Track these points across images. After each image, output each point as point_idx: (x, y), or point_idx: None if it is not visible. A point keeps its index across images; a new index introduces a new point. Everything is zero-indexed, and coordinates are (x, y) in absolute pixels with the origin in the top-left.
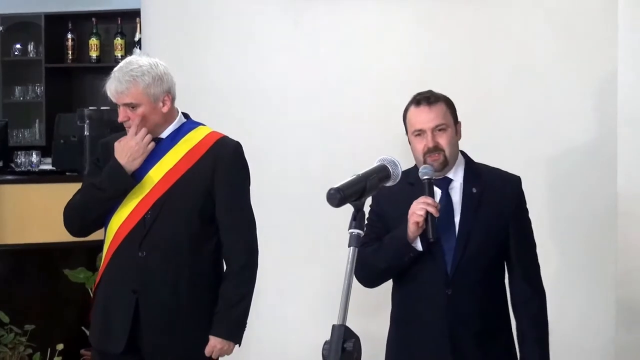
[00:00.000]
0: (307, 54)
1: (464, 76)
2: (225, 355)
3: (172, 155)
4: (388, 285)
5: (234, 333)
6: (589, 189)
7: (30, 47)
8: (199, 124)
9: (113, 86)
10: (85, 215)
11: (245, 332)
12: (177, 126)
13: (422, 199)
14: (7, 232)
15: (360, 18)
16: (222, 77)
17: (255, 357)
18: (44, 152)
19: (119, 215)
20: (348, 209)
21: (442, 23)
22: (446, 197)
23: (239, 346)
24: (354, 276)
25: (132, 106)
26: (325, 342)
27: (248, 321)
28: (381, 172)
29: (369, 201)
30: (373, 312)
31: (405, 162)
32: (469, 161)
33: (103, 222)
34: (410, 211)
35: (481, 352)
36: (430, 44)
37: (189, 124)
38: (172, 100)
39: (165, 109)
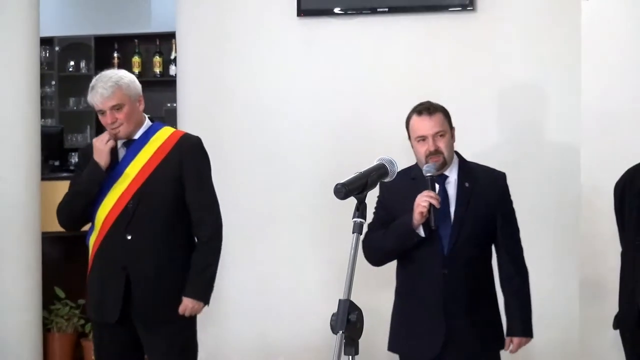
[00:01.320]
0: (318, 67)
1: (460, 83)
2: (196, 314)
3: (145, 153)
4: (388, 266)
5: (203, 294)
6: (557, 183)
7: (82, 64)
8: (164, 125)
9: (99, 94)
10: (72, 209)
11: (267, 307)
12: (146, 128)
13: (426, 192)
14: None
15: (367, 34)
16: (245, 88)
17: (274, 328)
18: None
19: (104, 206)
20: (352, 201)
21: (440, 36)
22: (443, 191)
23: (208, 306)
24: (364, 256)
25: (118, 107)
26: (333, 314)
27: (268, 298)
28: (380, 170)
29: (376, 192)
30: (374, 289)
31: (405, 161)
32: (462, 160)
33: (90, 216)
34: (415, 203)
35: (470, 324)
36: (429, 56)
37: (156, 126)
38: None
39: (141, 108)
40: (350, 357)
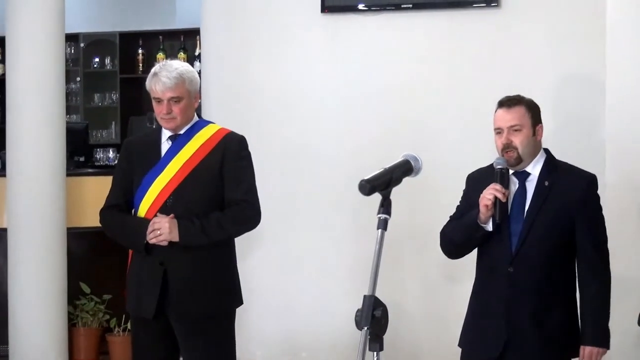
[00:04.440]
0: (341, 63)
1: (483, 80)
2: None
3: (189, 149)
4: (408, 262)
5: (184, 229)
6: None
7: (107, 61)
8: (210, 122)
9: (161, 83)
10: (111, 236)
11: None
12: (192, 124)
13: (492, 185)
14: (87, 216)
15: (391, 30)
16: (268, 83)
17: (297, 323)
18: (119, 149)
19: (146, 200)
20: (378, 197)
21: (464, 33)
22: (522, 188)
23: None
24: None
25: (177, 100)
26: (358, 310)
27: (292, 293)
28: (404, 166)
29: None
30: (398, 285)
31: (430, 155)
32: (549, 158)
33: (133, 208)
34: (481, 195)
35: (535, 328)
36: (453, 52)
37: (201, 123)
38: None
39: (196, 105)
40: (375, 353)
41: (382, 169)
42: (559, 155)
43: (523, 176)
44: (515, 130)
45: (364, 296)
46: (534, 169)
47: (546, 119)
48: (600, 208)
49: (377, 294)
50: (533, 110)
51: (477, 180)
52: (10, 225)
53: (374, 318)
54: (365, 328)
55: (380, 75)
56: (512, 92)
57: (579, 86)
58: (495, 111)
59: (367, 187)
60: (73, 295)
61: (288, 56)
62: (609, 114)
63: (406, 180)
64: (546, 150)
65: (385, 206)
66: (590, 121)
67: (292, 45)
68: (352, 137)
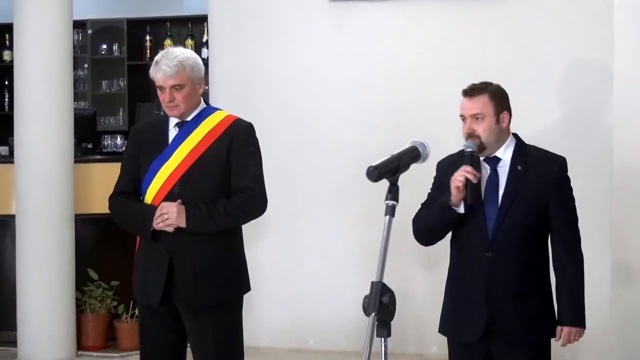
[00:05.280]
0: (346, 49)
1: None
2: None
3: (196, 136)
4: (416, 248)
5: (195, 223)
6: (590, 167)
7: (115, 47)
8: (217, 108)
9: (162, 71)
10: (120, 223)
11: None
12: (199, 110)
13: (462, 167)
14: (95, 203)
15: (395, 18)
16: (275, 70)
17: (305, 310)
18: (127, 135)
19: (153, 187)
20: (385, 183)
21: (470, 21)
22: (494, 174)
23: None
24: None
25: (179, 87)
26: (365, 296)
27: (299, 280)
28: (412, 153)
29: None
30: (406, 272)
31: (437, 141)
32: (519, 142)
33: (140, 195)
34: (452, 178)
35: (515, 311)
36: (461, 39)
37: (209, 109)
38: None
39: (201, 91)
40: (383, 339)
41: (389, 155)
42: (566, 143)
43: (494, 162)
44: (477, 119)
45: (372, 282)
46: (505, 154)
47: (553, 105)
48: (571, 189)
49: (385, 281)
50: (497, 99)
51: (448, 166)
52: (18, 211)
53: (381, 304)
54: (373, 314)
55: (387, 62)
56: (520, 79)
57: (586, 73)
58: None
59: (375, 173)
60: (81, 281)
61: (295, 43)
62: (616, 101)
63: (413, 166)
64: (515, 135)
65: (393, 192)
66: (597, 108)
67: (300, 32)
68: (359, 124)
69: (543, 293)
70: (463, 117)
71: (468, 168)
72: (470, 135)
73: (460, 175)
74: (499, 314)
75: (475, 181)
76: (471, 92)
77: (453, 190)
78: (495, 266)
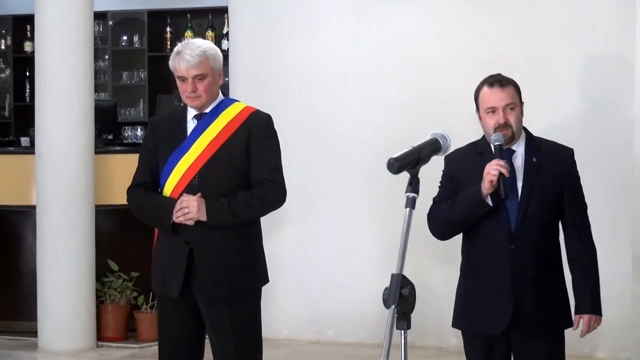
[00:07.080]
0: (367, 43)
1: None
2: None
3: (214, 127)
4: (436, 240)
5: (215, 216)
6: (610, 160)
7: (136, 39)
8: (235, 100)
9: (185, 61)
10: (139, 217)
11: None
12: (217, 102)
13: (495, 161)
14: (116, 194)
15: (414, 8)
16: (295, 62)
17: (324, 302)
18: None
19: (171, 179)
20: (406, 175)
21: (490, 14)
22: (510, 166)
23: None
24: (429, 230)
25: (201, 77)
26: (385, 289)
27: (320, 272)
28: (433, 145)
29: (440, 165)
30: (425, 265)
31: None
32: (529, 135)
33: (159, 186)
34: (485, 171)
35: (538, 300)
36: (483, 29)
37: (227, 101)
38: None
39: (220, 82)
40: (403, 331)
41: (410, 147)
42: (587, 135)
43: (509, 154)
44: (511, 109)
45: (392, 275)
46: (519, 146)
47: (574, 98)
48: (579, 178)
49: (405, 273)
50: (518, 90)
51: (459, 161)
52: (39, 202)
53: (401, 296)
54: (393, 306)
55: (407, 55)
56: (540, 72)
57: (607, 65)
58: (481, 90)
59: (396, 165)
60: (101, 272)
61: (315, 34)
62: (637, 94)
63: (433, 158)
64: (524, 128)
65: (414, 184)
66: (618, 100)
67: (319, 24)
68: (378, 115)
69: (559, 282)
70: (493, 109)
71: (501, 162)
72: (504, 126)
73: (494, 169)
74: (523, 306)
75: (507, 175)
76: (500, 82)
77: (486, 184)
78: (519, 258)
